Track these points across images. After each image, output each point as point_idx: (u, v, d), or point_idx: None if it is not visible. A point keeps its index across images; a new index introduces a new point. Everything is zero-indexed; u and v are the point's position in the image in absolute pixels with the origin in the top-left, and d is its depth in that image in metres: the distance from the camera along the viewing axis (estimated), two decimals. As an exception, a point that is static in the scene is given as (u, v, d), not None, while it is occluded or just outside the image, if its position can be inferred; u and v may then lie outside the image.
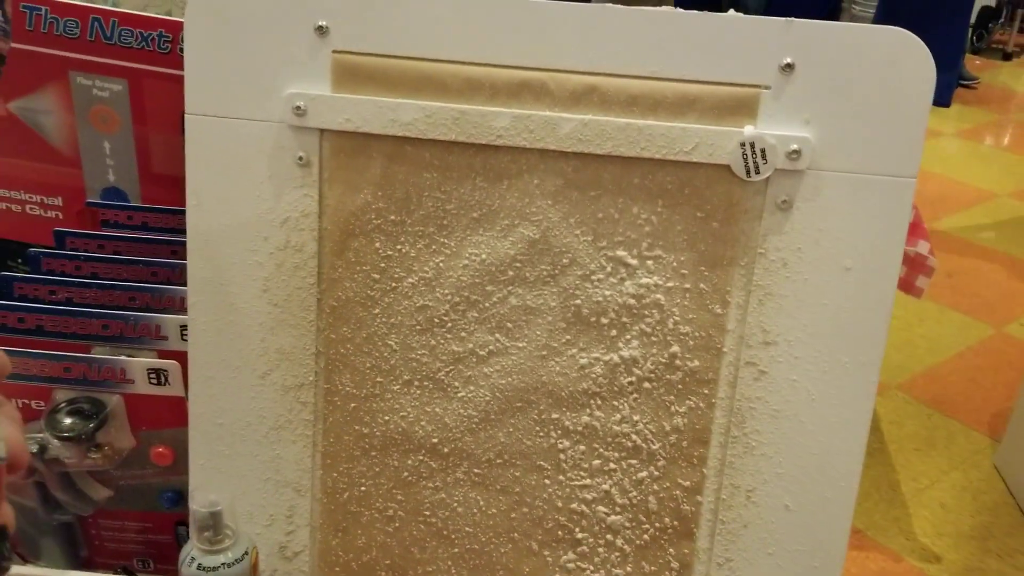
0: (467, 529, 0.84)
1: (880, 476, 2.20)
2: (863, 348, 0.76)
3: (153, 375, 0.83)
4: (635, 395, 0.79)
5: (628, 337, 0.78)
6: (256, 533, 0.83)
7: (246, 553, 0.74)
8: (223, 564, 0.72)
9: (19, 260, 1.04)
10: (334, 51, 0.73)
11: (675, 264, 0.76)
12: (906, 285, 2.02)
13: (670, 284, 0.77)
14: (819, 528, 0.80)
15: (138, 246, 0.97)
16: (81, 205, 1.02)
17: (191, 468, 0.83)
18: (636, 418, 0.80)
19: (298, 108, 0.73)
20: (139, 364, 0.83)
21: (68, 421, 0.84)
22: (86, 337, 0.87)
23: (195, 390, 0.81)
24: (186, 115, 0.75)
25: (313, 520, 0.84)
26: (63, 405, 0.84)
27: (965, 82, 5.31)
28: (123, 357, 0.84)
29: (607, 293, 0.77)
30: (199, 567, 0.72)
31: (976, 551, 2.00)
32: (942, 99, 5.04)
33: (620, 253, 0.76)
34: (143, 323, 0.86)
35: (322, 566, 0.85)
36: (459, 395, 0.81)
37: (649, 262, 0.77)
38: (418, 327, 0.79)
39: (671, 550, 0.82)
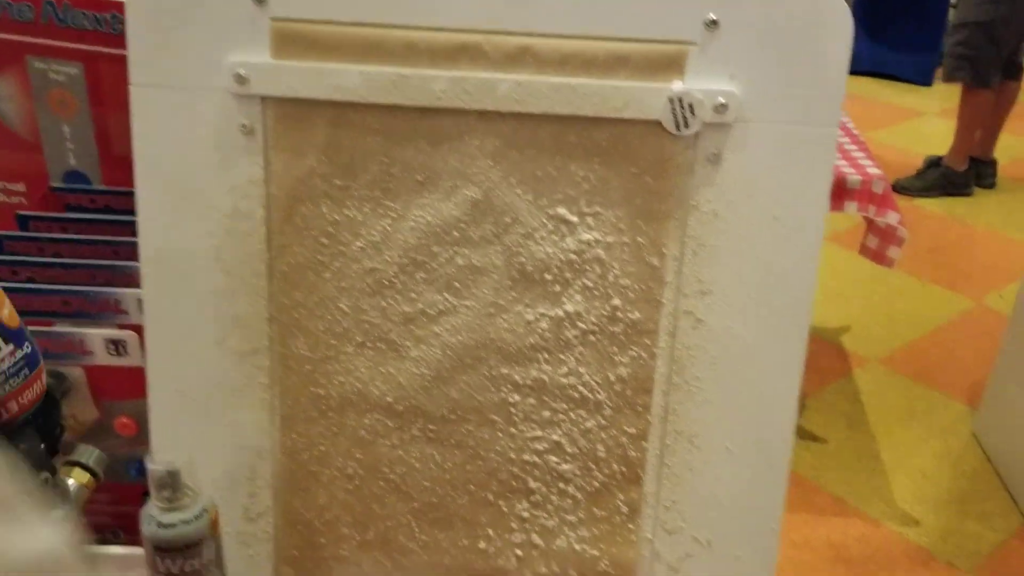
0: (424, 484, 0.87)
1: (862, 447, 2.24)
2: (793, 295, 0.80)
3: (112, 346, 0.87)
4: (580, 348, 0.83)
5: (571, 292, 0.82)
6: (219, 496, 0.86)
7: (205, 511, 0.77)
8: (181, 521, 0.76)
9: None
10: (273, 18, 0.77)
11: (613, 219, 0.80)
12: (878, 256, 2.06)
13: (609, 239, 0.80)
14: (759, 469, 0.84)
15: (100, 227, 1.00)
16: (44, 190, 1.06)
17: (152, 435, 0.86)
18: (582, 370, 0.84)
19: (239, 76, 0.77)
20: (97, 335, 0.87)
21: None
22: (48, 314, 0.91)
23: (153, 358, 0.85)
24: (131, 86, 0.79)
25: (275, 482, 0.88)
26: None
27: (946, 59, 5.35)
28: (82, 329, 0.87)
29: (550, 250, 0.81)
30: (158, 524, 0.76)
31: (954, 515, 2.05)
32: (923, 78, 5.09)
33: (560, 210, 0.80)
34: (102, 298, 0.89)
35: (285, 526, 0.89)
36: (411, 355, 0.84)
37: (588, 218, 0.80)
38: (368, 289, 0.83)
39: (620, 495, 0.86)
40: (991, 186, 3.63)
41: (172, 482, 0.76)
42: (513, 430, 0.86)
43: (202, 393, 0.85)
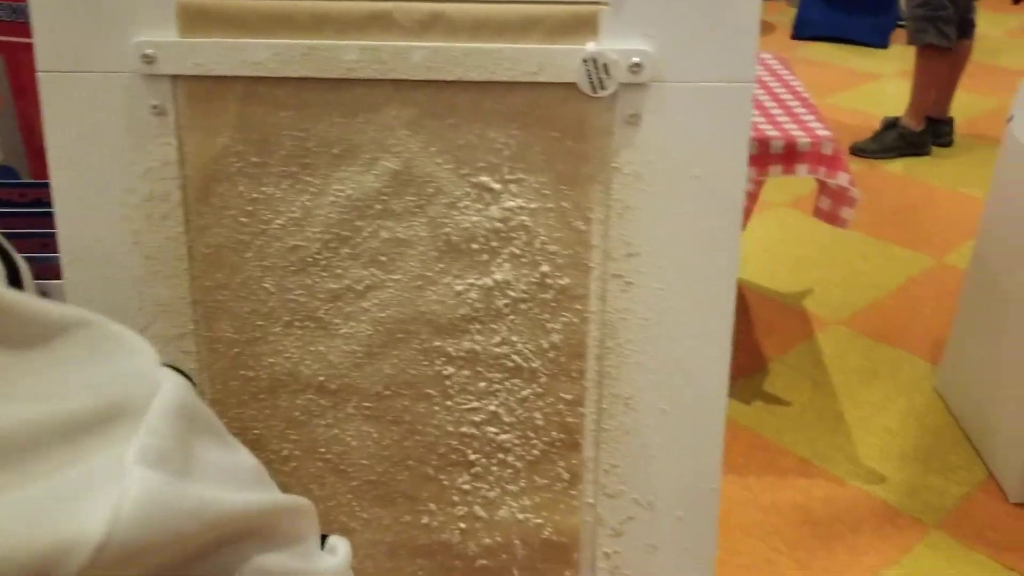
0: (363, 462, 0.87)
1: (824, 408, 2.25)
2: (718, 254, 0.80)
3: None
4: (512, 316, 0.82)
5: (499, 260, 0.81)
6: None
7: None
8: None
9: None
10: (175, -5, 0.75)
11: (536, 185, 0.79)
12: (831, 217, 2.07)
13: (533, 205, 0.80)
14: (696, 429, 0.84)
15: (28, 219, 0.99)
16: None
17: None
18: (515, 339, 0.83)
19: (147, 56, 0.75)
20: None
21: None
22: None
23: None
24: (39, 73, 0.77)
25: None
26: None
27: (903, 23, 5.38)
28: None
29: (474, 219, 0.80)
30: None
31: (919, 470, 2.06)
32: (880, 40, 5.10)
33: (483, 178, 0.79)
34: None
35: (225, 512, 0.88)
36: (341, 332, 0.83)
37: (512, 185, 0.79)
38: (292, 267, 0.82)
39: (560, 462, 0.86)
40: (948, 144, 3.65)
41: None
42: (449, 403, 0.85)
43: None
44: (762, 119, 2.03)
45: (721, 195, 0.78)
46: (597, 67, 0.75)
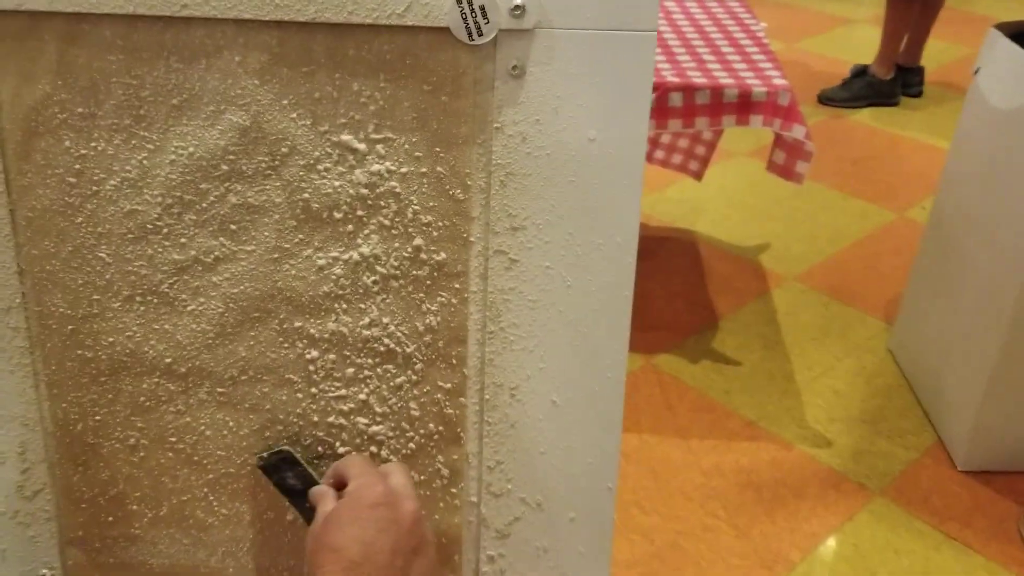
0: (219, 453, 0.77)
1: (774, 368, 2.17)
2: (616, 227, 0.69)
3: None
4: (382, 295, 0.72)
5: (367, 232, 0.70)
6: None
7: None
8: None
9: None
10: (-38, -88, 0.63)
11: (407, 146, 0.68)
12: (785, 172, 1.96)
13: (404, 169, 0.69)
14: (590, 423, 0.75)
15: None
16: None
17: None
18: (386, 320, 0.73)
19: (-64, -15, 0.63)
20: None
21: None
22: None
23: None
24: None
25: (49, 456, 0.77)
26: None
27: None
28: None
29: (336, 184, 0.69)
30: None
31: (867, 434, 1.99)
32: (856, -16, 4.95)
33: (345, 137, 0.68)
34: None
35: (67, 504, 0.78)
36: (189, 309, 0.72)
37: (379, 146, 0.68)
38: (130, 235, 0.70)
39: (439, 457, 0.76)
40: (918, 95, 3.53)
41: None
42: (314, 390, 0.75)
43: None
44: (717, 65, 1.91)
45: (619, 161, 0.68)
46: (472, 9, 0.63)
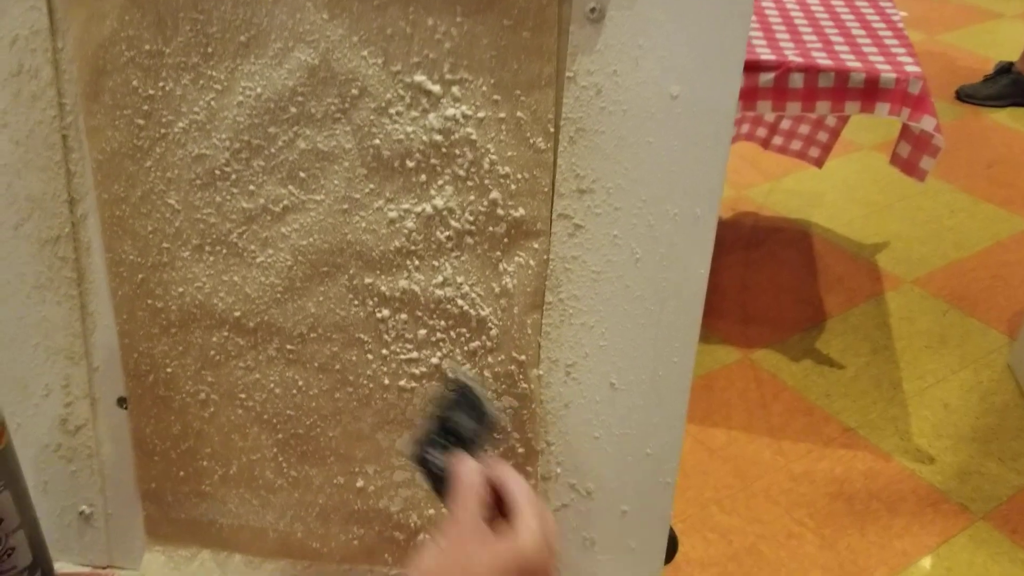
0: (288, 412, 0.70)
1: (882, 374, 1.97)
2: (696, 197, 0.58)
3: None
4: (456, 252, 0.63)
5: (440, 183, 0.62)
6: (34, 405, 0.71)
7: None
8: None
9: None
10: None
11: (485, 89, 0.59)
12: (908, 167, 1.78)
13: (481, 114, 0.60)
14: (651, 411, 0.64)
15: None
16: None
17: None
18: (460, 279, 0.64)
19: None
20: None
21: None
22: None
23: None
24: None
25: (92, 391, 0.71)
26: None
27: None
28: None
29: (409, 129, 0.61)
30: None
31: (975, 453, 1.78)
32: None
33: (419, 78, 0.59)
34: None
35: (140, 456, 0.73)
36: (257, 260, 0.66)
37: (454, 88, 0.59)
38: (199, 181, 0.64)
39: (514, 433, 0.67)
40: (1064, 97, 3.21)
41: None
42: (385, 351, 0.67)
43: (3, 286, 0.68)
44: (845, 48, 1.74)
45: (705, 122, 0.57)
46: (556, -67, 0.54)
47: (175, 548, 0.75)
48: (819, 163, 2.31)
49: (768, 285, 2.21)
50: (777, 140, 2.30)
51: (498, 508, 0.54)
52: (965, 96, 3.18)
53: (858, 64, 1.66)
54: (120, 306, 0.68)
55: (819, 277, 2.27)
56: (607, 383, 0.65)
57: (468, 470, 0.54)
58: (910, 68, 1.71)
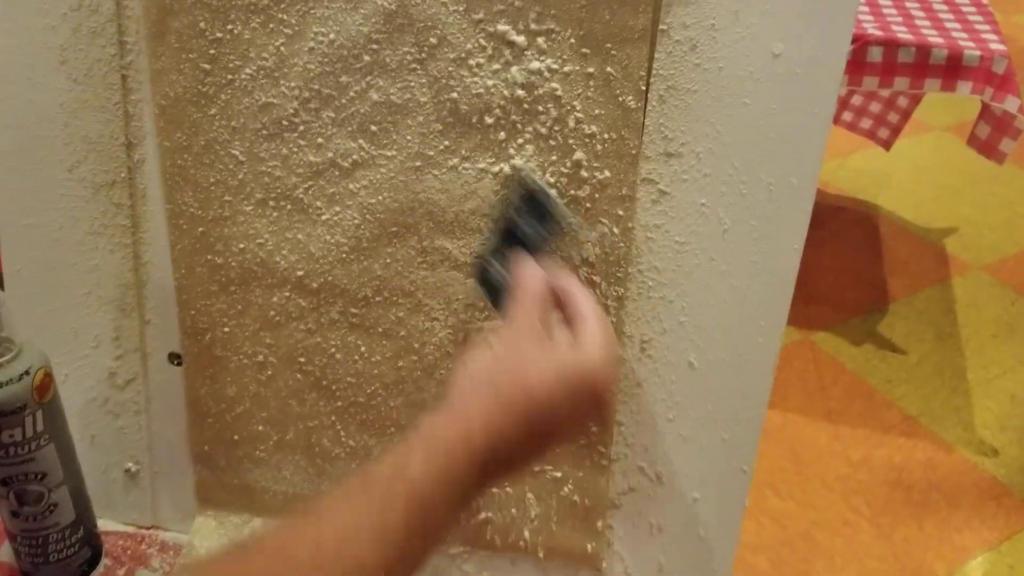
0: (349, 379, 0.66)
1: (945, 362, 1.89)
2: (794, 166, 0.53)
3: None
4: (534, 217, 0.58)
5: (520, 141, 0.57)
6: (83, 356, 0.68)
7: (27, 372, 0.58)
8: None
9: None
10: None
11: (573, 41, 0.54)
12: (987, 148, 1.69)
13: (568, 68, 0.54)
14: (730, 393, 0.59)
15: None
16: None
17: (5, 276, 0.67)
18: (536, 247, 0.59)
19: None
20: None
21: None
22: None
23: (0, 184, 0.65)
24: None
25: (144, 345, 0.68)
26: None
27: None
28: None
29: (490, 83, 0.56)
30: None
31: None
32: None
33: (502, 27, 0.54)
34: None
35: (194, 417, 0.69)
36: (323, 218, 0.61)
37: (540, 39, 0.54)
38: (265, 131, 0.60)
39: (584, 412, 0.62)
40: None
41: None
42: (453, 320, 0.62)
43: (56, 230, 0.65)
44: (927, 22, 1.65)
45: (808, 84, 0.51)
46: None
47: (227, 514, 0.72)
48: (887, 145, 2.21)
49: (831, 265, 2.13)
50: (847, 116, 2.21)
51: (562, 319, 0.49)
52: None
53: (940, 40, 1.57)
54: (179, 260, 0.65)
55: (883, 259, 2.19)
56: (685, 362, 0.60)
57: (531, 275, 0.50)
58: (995, 46, 1.62)
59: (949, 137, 2.73)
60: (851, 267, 2.17)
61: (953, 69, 1.58)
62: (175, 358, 0.68)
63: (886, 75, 1.59)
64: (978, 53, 1.58)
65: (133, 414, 0.70)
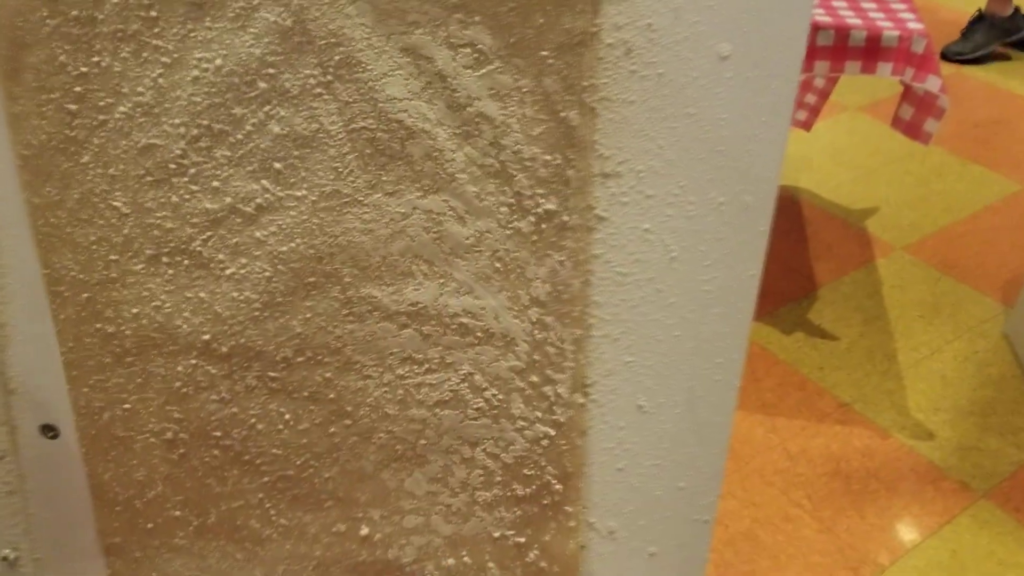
0: (274, 451, 0.56)
1: (875, 345, 1.86)
2: (747, 182, 0.45)
3: None
4: (474, 255, 0.50)
5: (451, 170, 0.48)
6: None
7: None
8: None
9: None
10: None
11: (503, 51, 0.46)
12: (912, 129, 1.66)
13: (499, 82, 0.46)
14: (685, 437, 0.52)
15: None
16: None
17: None
18: (480, 288, 0.51)
19: None
20: None
21: None
22: None
23: None
24: None
25: (11, 418, 0.57)
26: None
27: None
28: None
29: (410, 105, 0.47)
30: None
31: (974, 428, 1.67)
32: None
33: (419, 40, 0.46)
34: None
35: (100, 505, 0.59)
36: (227, 272, 0.52)
37: (464, 50, 0.46)
38: (149, 178, 0.50)
39: (549, 467, 0.54)
40: (1040, 44, 3.09)
41: None
42: (390, 376, 0.54)
43: None
44: (843, 3, 1.62)
45: (761, 89, 0.44)
46: None
47: (148, 610, 0.62)
48: (807, 126, 2.19)
49: (760, 254, 2.10)
50: (766, 105, 2.17)
51: None
52: (952, 55, 3.06)
53: (858, 21, 1.54)
54: (64, 332, 0.54)
55: (808, 245, 2.16)
56: (633, 406, 0.52)
57: None
58: (912, 25, 1.59)
59: (863, 117, 2.73)
60: (776, 255, 2.13)
61: (873, 51, 1.55)
62: (48, 430, 0.58)
63: (806, 59, 1.54)
64: (897, 33, 1.55)
65: (5, 495, 0.59)
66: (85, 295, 0.53)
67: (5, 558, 0.62)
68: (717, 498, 0.54)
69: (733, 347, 0.50)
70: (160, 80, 0.48)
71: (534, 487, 0.55)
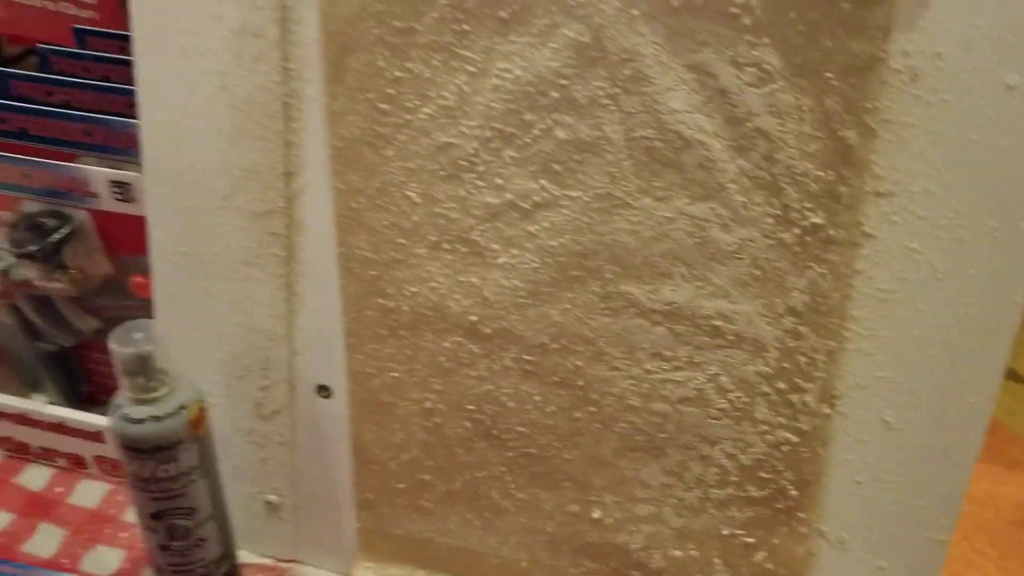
0: (520, 429, 0.61)
1: None
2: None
3: (116, 188, 0.65)
4: (735, 262, 0.52)
5: (723, 180, 0.51)
6: (226, 387, 0.65)
7: (183, 407, 0.56)
8: (151, 417, 0.55)
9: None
10: None
11: (788, 71, 0.48)
12: None
13: (780, 101, 0.48)
14: (929, 457, 0.52)
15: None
16: (114, 5, 0.85)
17: (155, 303, 0.64)
18: (737, 293, 0.53)
19: None
20: (101, 174, 0.65)
21: (25, 235, 0.68)
22: (68, 143, 0.69)
23: (152, 210, 0.61)
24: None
25: (292, 376, 0.64)
26: (23, 220, 0.68)
27: None
28: (86, 166, 0.66)
29: (690, 118, 0.50)
30: (123, 417, 0.55)
31: None
32: None
33: (706, 58, 0.49)
34: (128, 131, 0.67)
35: (359, 463, 0.66)
36: (499, 261, 0.57)
37: (749, 69, 0.48)
38: (442, 172, 0.56)
39: (787, 473, 0.56)
40: None
41: (143, 367, 0.54)
42: (637, 370, 0.57)
43: (209, 258, 0.62)
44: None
45: None
46: None
47: (387, 565, 0.68)
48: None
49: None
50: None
51: None
52: None
53: None
54: (348, 304, 0.61)
55: None
56: (880, 420, 0.52)
57: None
58: None
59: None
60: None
61: None
62: (323, 390, 0.65)
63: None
64: None
65: (277, 446, 0.66)
66: (372, 272, 0.59)
67: (269, 502, 0.69)
68: (955, 520, 0.53)
69: (990, 372, 0.50)
70: (463, 86, 0.53)
71: (769, 490, 0.56)
